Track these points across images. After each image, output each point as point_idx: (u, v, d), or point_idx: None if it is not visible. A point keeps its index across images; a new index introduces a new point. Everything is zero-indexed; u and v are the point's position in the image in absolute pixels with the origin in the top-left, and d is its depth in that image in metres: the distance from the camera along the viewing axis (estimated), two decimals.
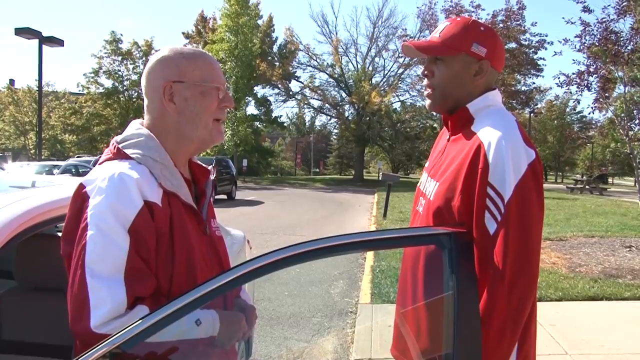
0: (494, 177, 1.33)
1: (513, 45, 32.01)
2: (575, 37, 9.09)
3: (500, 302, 1.29)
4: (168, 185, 1.30)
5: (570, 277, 6.63)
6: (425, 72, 1.57)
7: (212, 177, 1.53)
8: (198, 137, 1.38)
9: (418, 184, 1.72)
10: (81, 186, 1.26)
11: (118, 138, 1.37)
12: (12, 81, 50.03)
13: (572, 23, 9.25)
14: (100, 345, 1.06)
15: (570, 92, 10.31)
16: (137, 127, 1.39)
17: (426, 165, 1.72)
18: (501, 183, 1.33)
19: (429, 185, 1.57)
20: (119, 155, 1.32)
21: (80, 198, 1.25)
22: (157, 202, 1.26)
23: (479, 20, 1.54)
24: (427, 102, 1.60)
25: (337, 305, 5.86)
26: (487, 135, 1.38)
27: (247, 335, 1.47)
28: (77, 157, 29.63)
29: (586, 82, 9.10)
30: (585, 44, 9.13)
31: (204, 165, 1.53)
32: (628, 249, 8.54)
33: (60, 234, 1.33)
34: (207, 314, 1.27)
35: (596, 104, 9.51)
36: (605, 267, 7.27)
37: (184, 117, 1.36)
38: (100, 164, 1.34)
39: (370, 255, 8.02)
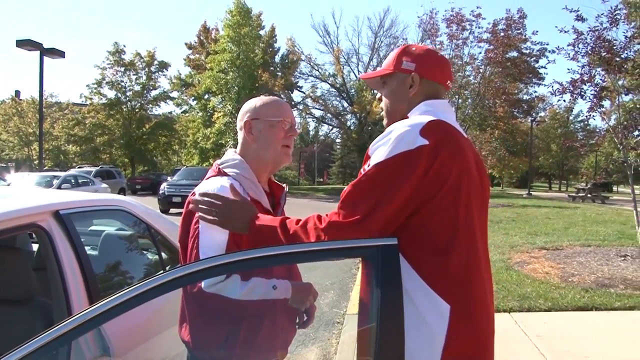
0: (373, 149, 1.51)
1: (514, 53, 32.00)
2: (567, 45, 9.07)
3: (315, 218, 1.46)
4: (253, 194, 1.77)
5: (562, 287, 6.57)
6: (379, 97, 1.80)
7: (285, 191, 2.01)
8: (270, 159, 1.86)
9: None
10: (193, 194, 1.73)
11: (218, 162, 1.89)
12: (17, 92, 50.29)
13: (565, 32, 9.24)
14: None
15: (564, 101, 10.29)
16: (232, 154, 1.90)
17: None
18: (375, 155, 1.48)
19: None
20: (220, 173, 1.82)
21: None
22: None
23: (414, 43, 1.82)
24: (384, 122, 1.76)
25: (325, 316, 5.82)
26: (394, 124, 1.54)
27: (315, 298, 1.90)
28: (79, 167, 29.73)
29: (580, 90, 9.07)
30: (579, 53, 9.10)
31: (279, 183, 2.02)
32: (622, 258, 8.46)
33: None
34: (282, 282, 1.69)
35: (590, 113, 9.47)
36: (598, 276, 7.21)
37: (260, 144, 1.85)
38: (207, 179, 1.82)
39: None
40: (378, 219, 1.40)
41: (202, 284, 1.56)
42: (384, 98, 1.76)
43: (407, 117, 1.61)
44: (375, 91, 1.88)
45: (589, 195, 28.61)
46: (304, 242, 1.42)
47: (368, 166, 1.48)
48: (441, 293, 1.40)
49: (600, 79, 9.21)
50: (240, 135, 1.91)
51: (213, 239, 1.64)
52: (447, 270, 1.42)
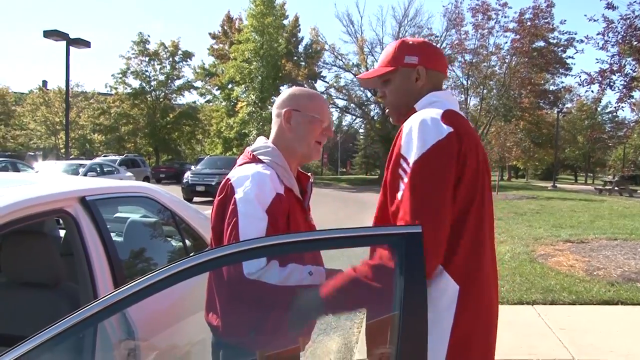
0: (404, 149, 1.50)
1: (541, 43, 31.43)
2: (597, 34, 8.88)
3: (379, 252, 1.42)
4: (287, 182, 1.79)
5: (587, 281, 6.47)
6: (380, 95, 1.81)
7: (311, 181, 2.03)
8: (302, 152, 1.89)
9: None
10: (227, 179, 1.76)
11: (250, 148, 1.89)
12: (45, 82, 51.21)
13: (594, 20, 9.04)
14: None
15: (592, 92, 10.10)
16: (264, 141, 1.90)
17: None
18: (409, 153, 1.48)
19: None
20: (254, 160, 1.83)
21: (228, 188, 1.73)
22: (282, 193, 1.73)
23: (408, 37, 1.83)
24: (391, 119, 1.82)
25: None
26: (408, 120, 1.56)
27: None
28: (104, 156, 30.19)
29: (608, 80, 8.87)
30: (609, 42, 8.90)
31: (305, 172, 2.04)
32: None
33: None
34: (316, 268, 1.67)
35: (620, 104, 9.27)
36: (625, 270, 7.07)
37: (295, 135, 1.86)
38: (240, 165, 1.83)
39: None
40: (443, 212, 1.44)
41: (245, 271, 1.56)
42: (387, 95, 1.77)
43: (415, 110, 1.65)
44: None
45: (616, 188, 28.04)
46: (389, 268, 1.34)
47: (408, 167, 1.46)
48: (451, 273, 1.46)
49: (631, 69, 9.01)
50: (276, 122, 1.92)
51: (252, 225, 1.64)
52: (457, 250, 1.47)
